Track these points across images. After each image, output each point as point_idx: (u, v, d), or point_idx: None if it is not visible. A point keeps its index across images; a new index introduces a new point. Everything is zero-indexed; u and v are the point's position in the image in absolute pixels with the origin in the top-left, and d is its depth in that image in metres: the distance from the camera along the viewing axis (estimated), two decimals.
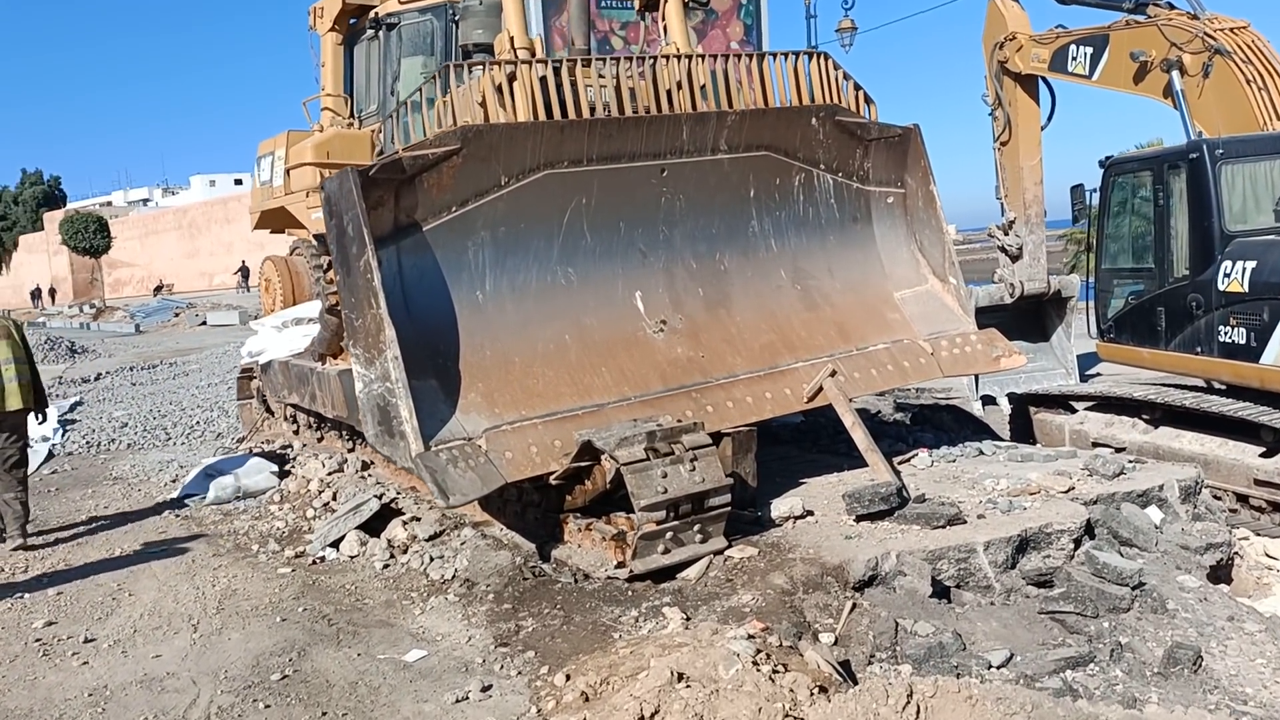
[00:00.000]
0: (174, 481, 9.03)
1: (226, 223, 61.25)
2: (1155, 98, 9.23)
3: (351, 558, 6.36)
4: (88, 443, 11.62)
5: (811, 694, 3.67)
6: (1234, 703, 4.44)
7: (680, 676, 3.80)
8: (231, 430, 11.76)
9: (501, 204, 5.70)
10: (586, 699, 4.04)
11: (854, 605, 4.81)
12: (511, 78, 5.93)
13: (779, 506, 5.87)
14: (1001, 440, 8.28)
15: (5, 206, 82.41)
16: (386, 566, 6.14)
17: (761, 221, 6.76)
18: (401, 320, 5.19)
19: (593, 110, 6.07)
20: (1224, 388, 8.08)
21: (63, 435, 12.18)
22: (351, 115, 9.63)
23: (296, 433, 9.78)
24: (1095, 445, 8.09)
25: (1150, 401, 8.04)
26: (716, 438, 5.69)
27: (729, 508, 5.39)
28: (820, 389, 6.41)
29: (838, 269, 7.07)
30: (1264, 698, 4.49)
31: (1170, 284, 8.26)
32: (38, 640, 5.27)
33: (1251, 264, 7.47)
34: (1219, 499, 7.08)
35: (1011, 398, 10.16)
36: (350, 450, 8.43)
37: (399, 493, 7.16)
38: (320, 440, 9.27)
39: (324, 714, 4.30)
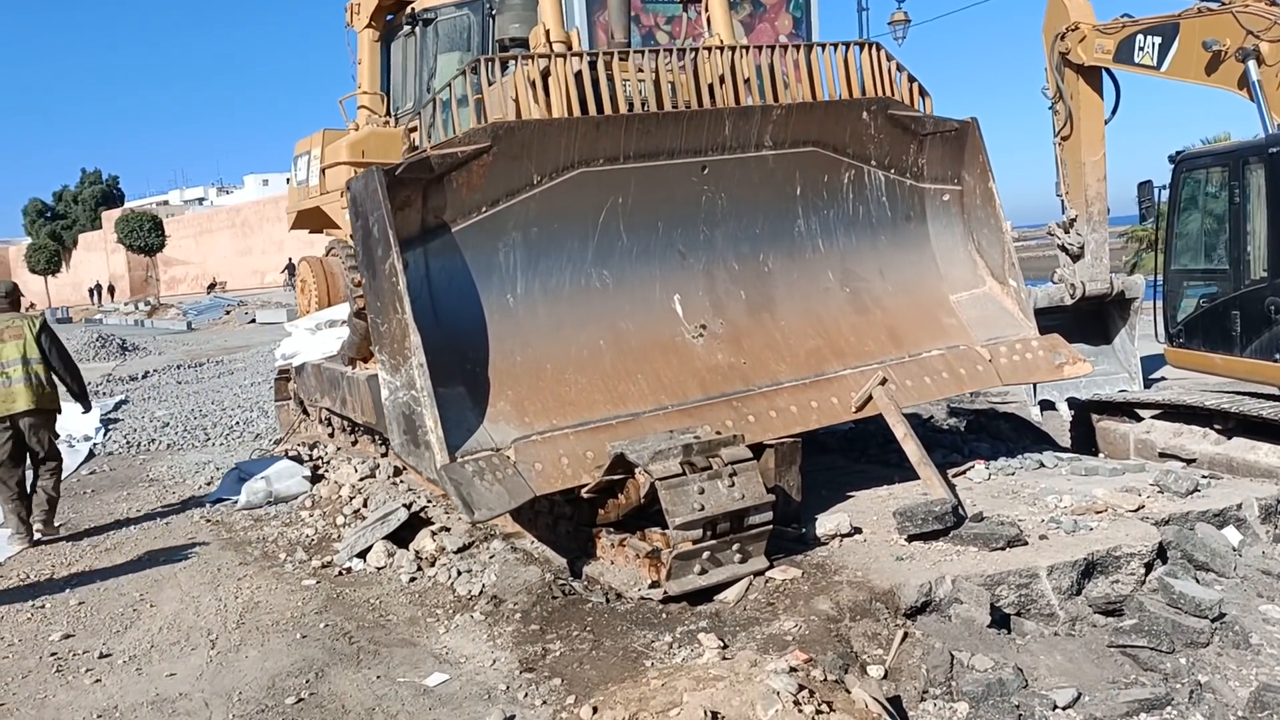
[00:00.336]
0: (208, 484, 8.94)
1: (278, 221, 61.82)
2: (1229, 89, 8.69)
3: (378, 569, 6.16)
4: (128, 442, 11.61)
5: None
6: None
7: (715, 717, 3.50)
8: (270, 431, 11.69)
9: (534, 204, 5.46)
10: None
11: (905, 635, 4.47)
12: (545, 72, 5.65)
13: (824, 523, 5.54)
14: (1063, 450, 7.86)
15: (65, 205, 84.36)
16: (413, 579, 5.92)
17: (808, 221, 6.44)
18: (428, 325, 4.98)
19: (630, 105, 5.79)
20: None
21: (104, 434, 12.20)
22: (388, 113, 9.44)
23: (331, 436, 9.64)
24: (1162, 456, 7.66)
25: (1224, 410, 7.58)
26: (758, 449, 5.38)
27: (770, 525, 5.07)
28: (870, 398, 6.06)
29: (889, 270, 6.72)
30: None
31: (1246, 286, 7.79)
32: (53, 655, 5.11)
33: None
34: None
35: (1072, 403, 9.68)
36: (383, 454, 8.25)
37: (429, 501, 6.95)
38: (354, 444, 9.12)
39: None
